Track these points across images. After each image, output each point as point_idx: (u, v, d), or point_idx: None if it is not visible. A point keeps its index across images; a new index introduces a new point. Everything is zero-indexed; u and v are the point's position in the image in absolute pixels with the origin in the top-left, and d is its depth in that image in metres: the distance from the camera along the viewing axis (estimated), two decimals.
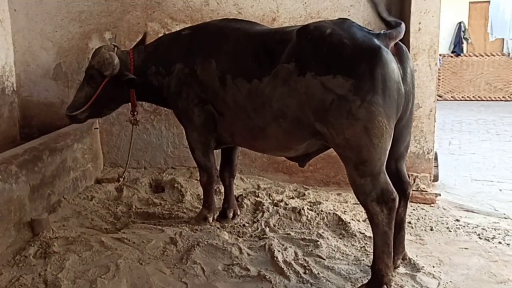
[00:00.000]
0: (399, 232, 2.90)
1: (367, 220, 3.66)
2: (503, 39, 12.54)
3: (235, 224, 3.64)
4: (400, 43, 2.65)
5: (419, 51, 4.14)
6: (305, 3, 4.48)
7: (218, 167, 3.81)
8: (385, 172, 2.59)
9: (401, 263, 2.96)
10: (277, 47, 2.82)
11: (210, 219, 3.66)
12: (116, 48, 3.56)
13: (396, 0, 4.34)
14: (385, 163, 2.57)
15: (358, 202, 4.05)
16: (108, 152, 4.96)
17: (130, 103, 3.70)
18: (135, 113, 3.78)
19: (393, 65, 2.48)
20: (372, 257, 2.72)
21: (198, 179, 3.77)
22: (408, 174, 4.12)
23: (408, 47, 4.09)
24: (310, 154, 3.14)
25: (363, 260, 3.07)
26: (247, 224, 3.65)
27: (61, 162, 3.97)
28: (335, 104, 2.51)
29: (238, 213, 3.81)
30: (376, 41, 2.50)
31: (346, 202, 4.17)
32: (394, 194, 2.55)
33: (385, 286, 2.58)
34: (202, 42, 3.29)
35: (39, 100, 4.98)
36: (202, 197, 3.83)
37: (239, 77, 2.99)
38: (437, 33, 4.14)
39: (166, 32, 4.43)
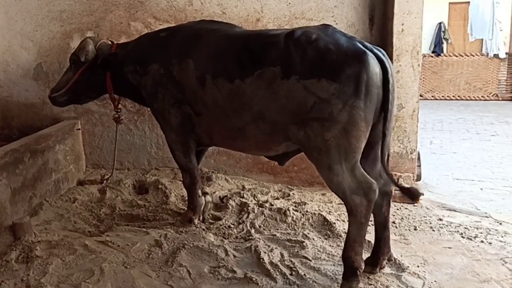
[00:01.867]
0: (383, 232, 2.95)
1: None
2: (482, 39, 12.76)
3: (221, 225, 3.62)
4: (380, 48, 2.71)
5: (402, 52, 4.18)
6: (289, 3, 4.48)
7: None
8: (360, 166, 2.66)
9: (386, 263, 2.99)
10: (262, 50, 2.85)
11: (196, 221, 3.65)
12: (101, 40, 3.69)
13: (380, 1, 4.38)
14: (358, 160, 2.65)
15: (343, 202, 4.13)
16: (91, 153, 4.89)
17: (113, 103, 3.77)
18: (119, 110, 3.80)
19: (377, 70, 2.56)
20: None
21: (182, 180, 3.74)
22: (391, 174, 4.23)
23: (392, 48, 4.16)
24: (289, 153, 3.18)
25: None
26: (232, 226, 3.63)
27: (43, 164, 3.91)
28: (316, 107, 2.58)
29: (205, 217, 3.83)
30: (360, 47, 2.58)
31: (331, 202, 4.19)
32: (374, 186, 2.62)
33: (358, 272, 2.68)
34: (179, 43, 3.30)
35: (19, 100, 4.88)
36: (186, 198, 3.81)
37: (220, 77, 2.99)
38: (420, 34, 4.18)
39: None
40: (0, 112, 4.92)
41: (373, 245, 3.03)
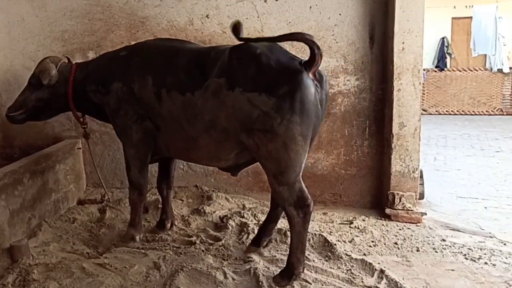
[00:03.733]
0: (270, 224, 3.49)
1: (353, 240, 3.70)
2: (485, 54, 12.75)
3: (220, 246, 3.58)
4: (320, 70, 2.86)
5: (403, 70, 4.16)
6: (289, 22, 4.50)
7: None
8: (301, 180, 2.89)
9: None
10: (210, 63, 3.01)
11: (137, 238, 3.67)
12: (61, 61, 3.76)
13: (380, 20, 4.38)
14: (300, 174, 2.89)
15: (344, 222, 4.09)
16: (91, 172, 4.88)
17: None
18: (85, 126, 3.93)
19: (312, 89, 2.75)
20: None
21: (128, 196, 3.75)
22: (393, 193, 4.19)
23: (392, 67, 4.15)
24: (240, 165, 3.35)
25: (349, 283, 3.03)
26: (231, 247, 3.59)
27: (42, 184, 3.90)
28: (260, 119, 2.76)
29: (176, 223, 4.00)
30: (298, 66, 2.75)
31: (332, 222, 4.14)
32: (309, 200, 2.87)
33: (294, 277, 2.95)
34: (138, 61, 3.41)
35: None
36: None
37: (173, 90, 3.14)
38: (421, 53, 4.17)
39: None
40: (1, 131, 4.94)
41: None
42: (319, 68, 2.81)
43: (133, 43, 4.56)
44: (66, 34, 4.76)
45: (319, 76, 2.86)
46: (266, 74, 2.76)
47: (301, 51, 4.10)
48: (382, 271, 3.13)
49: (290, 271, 2.98)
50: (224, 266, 3.24)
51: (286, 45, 4.47)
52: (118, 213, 4.29)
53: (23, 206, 3.58)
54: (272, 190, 3.01)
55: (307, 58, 2.75)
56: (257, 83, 2.76)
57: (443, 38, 13.47)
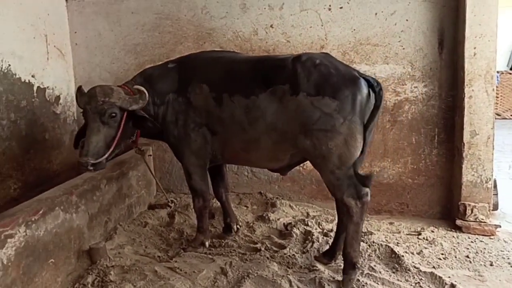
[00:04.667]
0: (341, 234, 3.45)
1: (421, 252, 3.60)
2: None
3: (285, 254, 3.62)
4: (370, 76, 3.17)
5: (475, 76, 4.00)
6: (354, 30, 4.46)
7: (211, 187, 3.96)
8: (354, 172, 3.13)
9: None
10: (272, 70, 3.27)
11: (207, 244, 3.80)
12: (116, 86, 3.52)
13: (450, 25, 4.23)
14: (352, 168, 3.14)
15: (412, 233, 3.98)
16: (161, 178, 5.11)
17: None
18: (140, 147, 3.94)
19: (366, 92, 3.06)
20: None
21: (193, 205, 3.84)
22: (465, 204, 4.03)
23: (463, 73, 4.00)
24: (292, 165, 3.58)
25: None
26: (296, 255, 3.62)
27: (117, 190, 4.13)
28: (321, 120, 3.04)
29: (240, 225, 4.14)
30: (355, 73, 3.11)
31: (399, 232, 4.05)
32: (366, 190, 3.09)
33: (356, 265, 3.13)
34: (191, 71, 3.56)
35: None
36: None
37: (236, 94, 3.33)
38: (494, 58, 3.98)
39: None
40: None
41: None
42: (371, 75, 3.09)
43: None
44: (138, 47, 5.03)
45: (372, 82, 3.12)
46: (328, 80, 3.06)
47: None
48: (453, 286, 3.03)
49: (350, 263, 3.13)
50: (289, 274, 3.28)
51: (351, 53, 4.46)
52: (186, 218, 4.46)
53: (100, 210, 3.82)
54: (330, 187, 3.19)
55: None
56: (320, 88, 3.05)
57: None
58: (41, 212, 3.02)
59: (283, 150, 3.34)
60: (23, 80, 4.35)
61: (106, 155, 3.32)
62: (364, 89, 3.05)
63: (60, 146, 4.95)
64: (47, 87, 4.73)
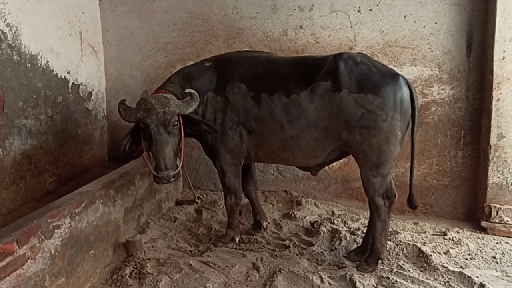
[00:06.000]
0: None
1: (448, 252, 3.66)
2: None
3: (313, 251, 3.70)
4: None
5: (503, 79, 4.04)
6: (383, 32, 4.52)
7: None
8: (390, 174, 3.29)
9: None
10: (312, 69, 3.37)
11: (237, 240, 3.89)
12: (161, 92, 3.50)
13: (479, 28, 4.28)
14: (391, 167, 3.29)
15: (437, 233, 4.04)
16: (188, 174, 5.20)
17: None
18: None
19: (406, 89, 3.20)
20: None
21: (224, 202, 3.90)
22: (490, 206, 4.08)
23: (492, 76, 4.04)
24: (325, 163, 3.68)
25: None
26: (324, 252, 3.70)
27: (149, 185, 4.25)
28: (365, 116, 3.16)
29: (269, 222, 4.25)
30: (394, 71, 3.26)
31: (424, 232, 4.12)
32: (395, 192, 3.31)
33: (380, 260, 3.36)
34: (229, 70, 3.62)
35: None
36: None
37: (276, 93, 3.42)
38: None
39: None
40: (109, 135, 5.42)
41: None
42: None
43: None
44: (169, 45, 5.13)
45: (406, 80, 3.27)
46: (370, 77, 3.19)
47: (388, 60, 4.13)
48: (482, 285, 3.09)
49: (375, 256, 3.36)
50: (319, 271, 3.36)
51: (379, 55, 4.52)
52: (213, 214, 4.56)
53: (134, 205, 3.93)
54: (365, 181, 3.32)
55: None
56: (362, 85, 3.18)
57: None
58: (83, 204, 3.14)
59: (323, 147, 3.42)
60: (59, 77, 4.49)
61: (180, 163, 3.41)
62: (404, 86, 3.19)
63: (91, 142, 5.09)
64: (81, 83, 4.86)
